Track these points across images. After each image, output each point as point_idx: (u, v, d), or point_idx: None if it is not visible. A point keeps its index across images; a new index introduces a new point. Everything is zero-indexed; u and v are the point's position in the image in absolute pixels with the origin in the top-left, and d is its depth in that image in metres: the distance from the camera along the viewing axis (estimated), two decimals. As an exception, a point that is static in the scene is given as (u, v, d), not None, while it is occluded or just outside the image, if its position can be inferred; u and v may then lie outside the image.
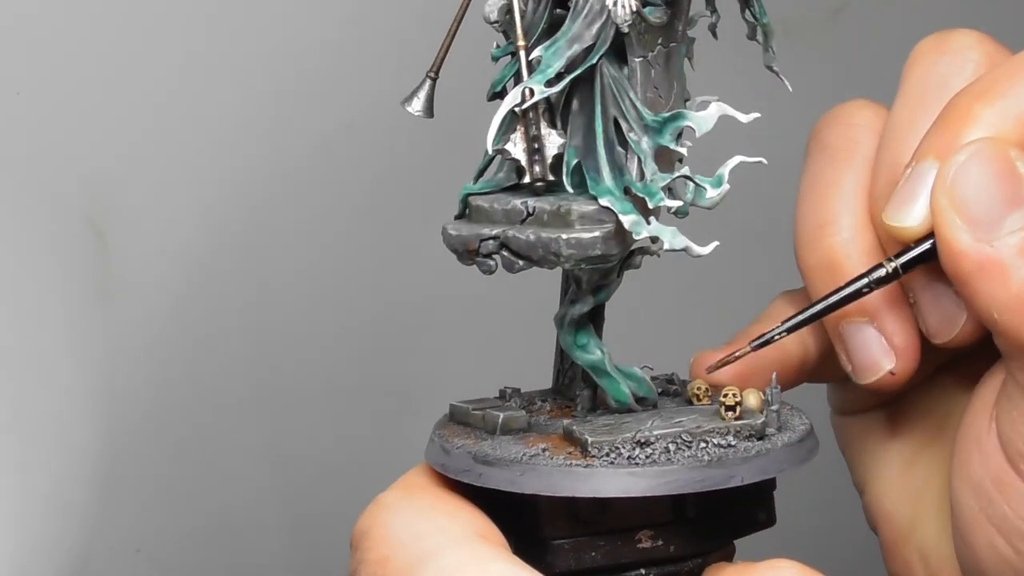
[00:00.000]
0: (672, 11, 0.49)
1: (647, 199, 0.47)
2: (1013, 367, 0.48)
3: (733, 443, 0.47)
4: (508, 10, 0.49)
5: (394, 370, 0.88)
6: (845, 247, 0.51)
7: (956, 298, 0.49)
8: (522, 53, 0.48)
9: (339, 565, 0.85)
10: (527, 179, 0.48)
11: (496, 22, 0.49)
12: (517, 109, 0.48)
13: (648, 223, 0.47)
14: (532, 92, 0.48)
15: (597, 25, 0.48)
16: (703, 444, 0.47)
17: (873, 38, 0.90)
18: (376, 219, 0.86)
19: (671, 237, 0.47)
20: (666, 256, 0.49)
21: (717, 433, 0.47)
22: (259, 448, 0.85)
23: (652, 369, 0.51)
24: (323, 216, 0.85)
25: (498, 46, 0.50)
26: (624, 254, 0.48)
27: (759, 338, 0.50)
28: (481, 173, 0.50)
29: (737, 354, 0.50)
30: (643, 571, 0.48)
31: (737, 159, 0.48)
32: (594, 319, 0.51)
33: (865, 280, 0.50)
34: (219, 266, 0.83)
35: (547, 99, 0.48)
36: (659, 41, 0.49)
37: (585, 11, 0.48)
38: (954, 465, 0.51)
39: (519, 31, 0.48)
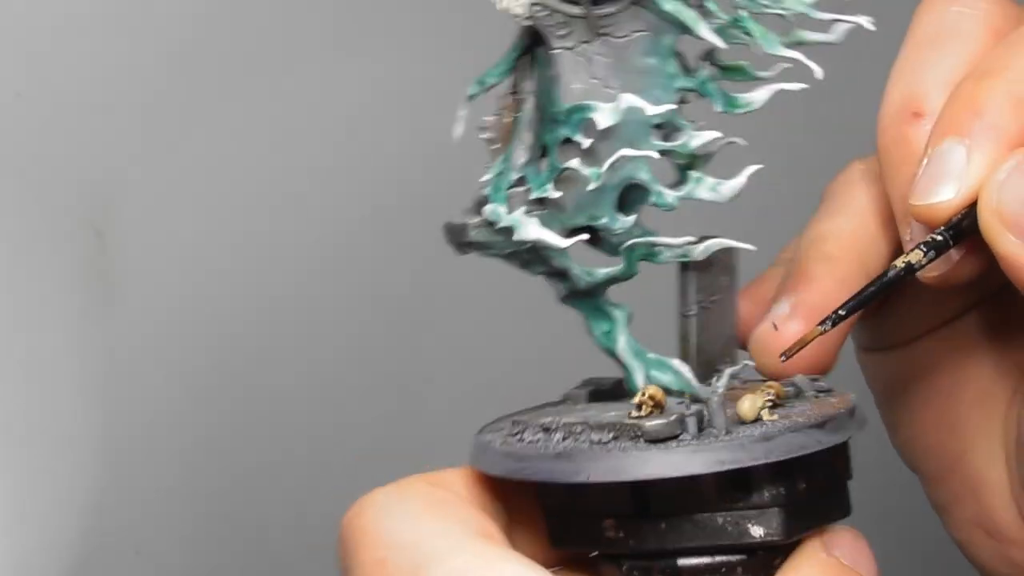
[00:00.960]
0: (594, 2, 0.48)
1: (532, 187, 0.48)
2: None
3: (605, 440, 0.46)
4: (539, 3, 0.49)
5: (397, 371, 0.88)
6: (924, 137, 0.50)
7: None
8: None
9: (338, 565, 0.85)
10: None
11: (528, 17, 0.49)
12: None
13: (496, 212, 0.48)
14: (482, 84, 0.49)
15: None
16: (570, 436, 0.47)
17: (877, 32, 0.90)
18: (376, 219, 0.86)
19: (524, 228, 0.47)
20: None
21: (592, 428, 0.47)
22: (259, 448, 0.85)
23: (752, 365, 0.51)
24: (324, 216, 0.85)
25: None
26: (519, 244, 0.48)
27: (825, 321, 0.48)
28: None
29: (807, 341, 0.48)
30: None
31: (712, 134, 0.48)
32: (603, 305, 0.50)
33: (920, 257, 0.48)
34: (219, 266, 0.83)
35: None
36: (589, 32, 0.48)
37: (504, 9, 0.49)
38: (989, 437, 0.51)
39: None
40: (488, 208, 0.48)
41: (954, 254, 0.48)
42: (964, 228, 0.48)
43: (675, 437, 0.46)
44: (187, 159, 0.81)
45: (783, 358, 0.49)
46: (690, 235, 0.50)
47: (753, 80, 0.50)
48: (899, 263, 0.48)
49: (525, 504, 0.49)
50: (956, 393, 0.54)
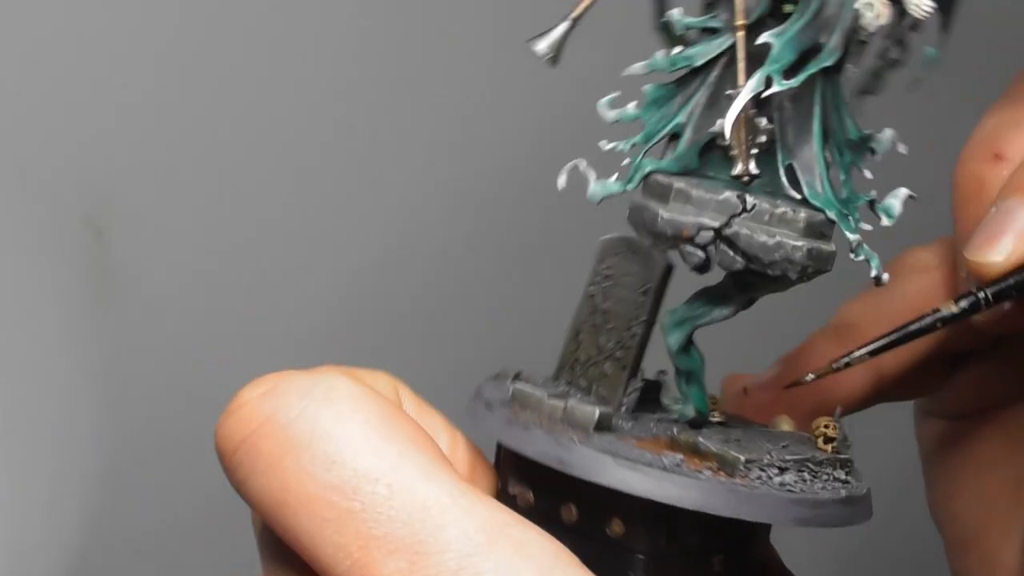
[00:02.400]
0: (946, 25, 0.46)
1: (851, 219, 0.44)
2: None
3: (848, 478, 0.44)
4: None
5: (401, 371, 0.88)
6: (999, 183, 0.49)
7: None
8: (742, 34, 0.44)
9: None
10: (737, 171, 0.44)
11: None
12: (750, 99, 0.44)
13: (863, 244, 0.44)
14: (772, 82, 0.44)
15: (835, 25, 0.44)
16: (826, 477, 0.44)
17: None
18: (377, 218, 0.86)
19: (877, 264, 0.44)
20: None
21: (830, 465, 0.44)
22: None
23: (666, 374, 0.49)
24: (323, 215, 0.85)
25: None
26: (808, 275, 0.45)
27: (840, 358, 0.47)
28: (647, 147, 0.46)
29: (812, 377, 0.47)
30: None
31: (905, 192, 0.45)
32: None
33: (954, 309, 0.48)
34: (218, 265, 0.83)
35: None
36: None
37: (820, 5, 0.44)
38: (1009, 517, 0.51)
39: (740, 9, 0.44)
40: (855, 238, 0.44)
41: (1003, 306, 0.48)
42: (1016, 286, 0.48)
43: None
44: (187, 159, 0.81)
45: (789, 387, 0.48)
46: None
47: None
48: (929, 312, 0.48)
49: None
50: (993, 472, 0.54)
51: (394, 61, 0.85)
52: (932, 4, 0.44)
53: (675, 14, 0.45)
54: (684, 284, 0.48)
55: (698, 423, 0.46)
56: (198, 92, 0.81)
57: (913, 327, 0.48)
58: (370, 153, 0.85)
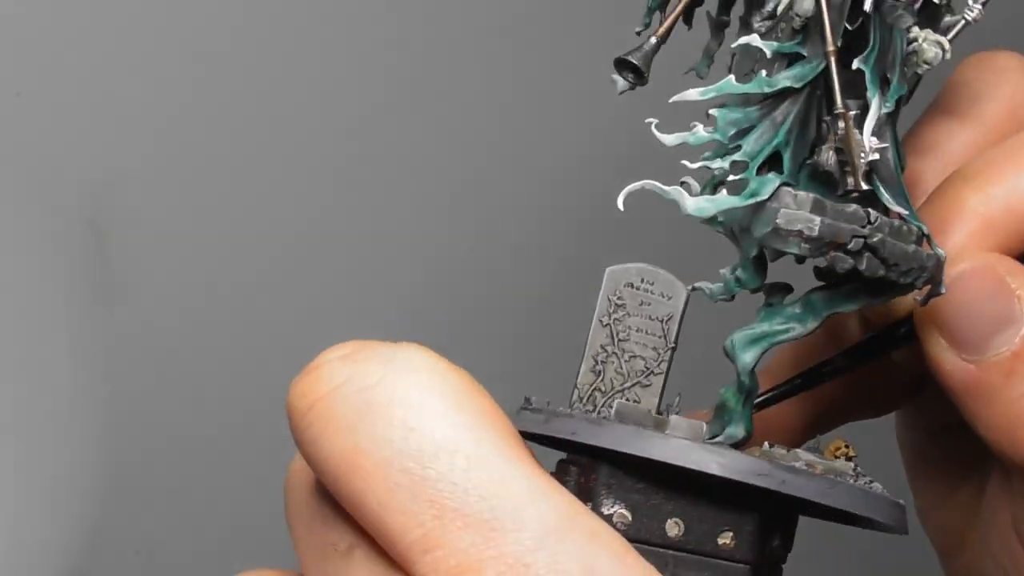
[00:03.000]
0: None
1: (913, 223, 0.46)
2: (1013, 475, 0.48)
3: (872, 484, 0.46)
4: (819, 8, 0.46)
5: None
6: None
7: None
8: (834, 59, 0.45)
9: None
10: (849, 186, 0.45)
11: (805, 20, 0.46)
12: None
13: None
14: (887, 103, 0.46)
15: (897, 57, 0.46)
16: (877, 489, 0.46)
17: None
18: (376, 218, 0.86)
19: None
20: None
21: (865, 478, 0.46)
22: (259, 448, 0.85)
23: (679, 397, 0.49)
24: (323, 215, 0.85)
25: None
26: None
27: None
28: (755, 164, 0.47)
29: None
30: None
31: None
32: None
33: (841, 360, 0.49)
34: (219, 266, 0.83)
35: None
36: None
37: (881, 38, 0.46)
38: (982, 529, 0.51)
39: (829, 33, 0.46)
40: (943, 253, 0.45)
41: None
42: (905, 334, 0.48)
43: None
44: (188, 161, 0.81)
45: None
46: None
47: None
48: (819, 364, 0.49)
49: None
50: (971, 482, 0.54)
51: (396, 62, 0.85)
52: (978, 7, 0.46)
53: (756, 40, 0.46)
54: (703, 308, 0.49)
55: (739, 445, 0.46)
56: (199, 94, 0.81)
57: (798, 381, 0.49)
58: (370, 154, 0.85)
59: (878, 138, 0.46)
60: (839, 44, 0.45)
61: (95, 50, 0.78)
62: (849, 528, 0.50)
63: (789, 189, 0.46)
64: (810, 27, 0.46)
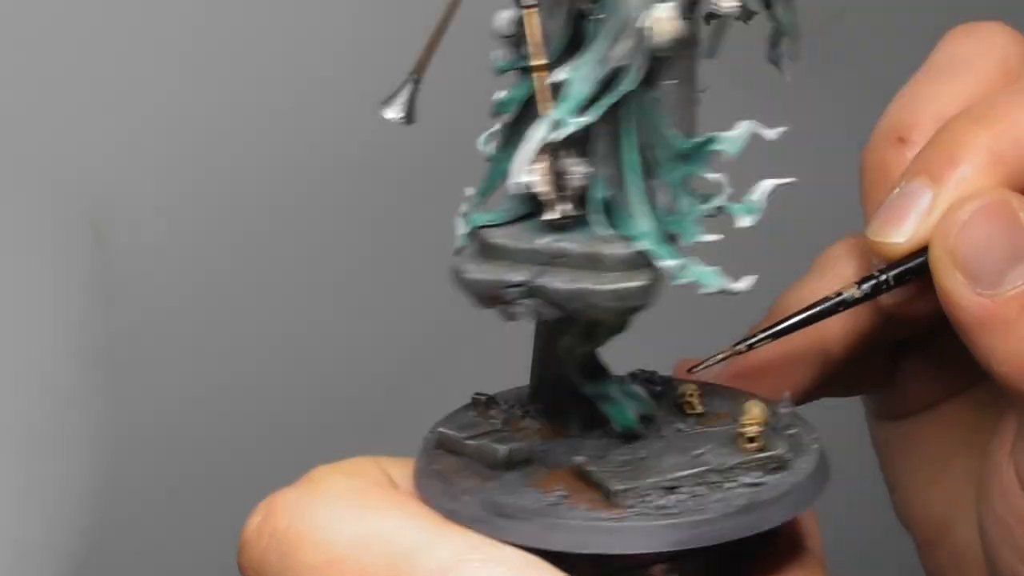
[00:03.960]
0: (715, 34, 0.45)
1: (682, 236, 0.43)
2: (1021, 412, 0.48)
3: (763, 479, 0.43)
4: (521, 22, 0.43)
5: (395, 371, 0.88)
6: (903, 166, 0.50)
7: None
8: (538, 75, 0.42)
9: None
10: (552, 215, 0.43)
11: (510, 36, 0.43)
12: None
13: (686, 267, 0.43)
14: (561, 124, 0.42)
15: (629, 44, 0.42)
16: (732, 484, 0.43)
17: (869, 46, 0.90)
18: (376, 218, 0.86)
19: (713, 281, 0.43)
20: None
21: (742, 469, 0.43)
22: (259, 448, 0.85)
23: (645, 372, 0.49)
24: (323, 215, 0.85)
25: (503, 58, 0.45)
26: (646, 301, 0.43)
27: (742, 341, 0.49)
28: (483, 198, 0.45)
29: (719, 357, 0.49)
30: None
31: (769, 183, 0.44)
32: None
33: (856, 293, 0.49)
34: (219, 266, 0.83)
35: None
36: (689, 60, 0.44)
37: (614, 27, 0.42)
38: (980, 495, 0.51)
39: (536, 47, 0.43)
40: (674, 264, 0.42)
41: (906, 290, 0.49)
42: (916, 268, 0.48)
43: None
44: (188, 160, 0.81)
45: (692, 370, 0.49)
46: None
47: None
48: (832, 295, 0.49)
49: None
50: (951, 466, 0.55)
51: (398, 65, 0.85)
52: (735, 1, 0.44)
53: (494, 56, 0.44)
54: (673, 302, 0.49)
55: (631, 436, 0.45)
56: (199, 93, 0.81)
57: (815, 310, 0.49)
58: (371, 155, 0.85)
59: (590, 159, 0.43)
60: (553, 56, 0.42)
61: (95, 50, 0.78)
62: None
63: (480, 232, 0.43)
64: (520, 42, 0.43)
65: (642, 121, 0.43)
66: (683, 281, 0.42)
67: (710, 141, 0.43)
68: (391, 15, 0.84)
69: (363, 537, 0.42)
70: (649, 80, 0.43)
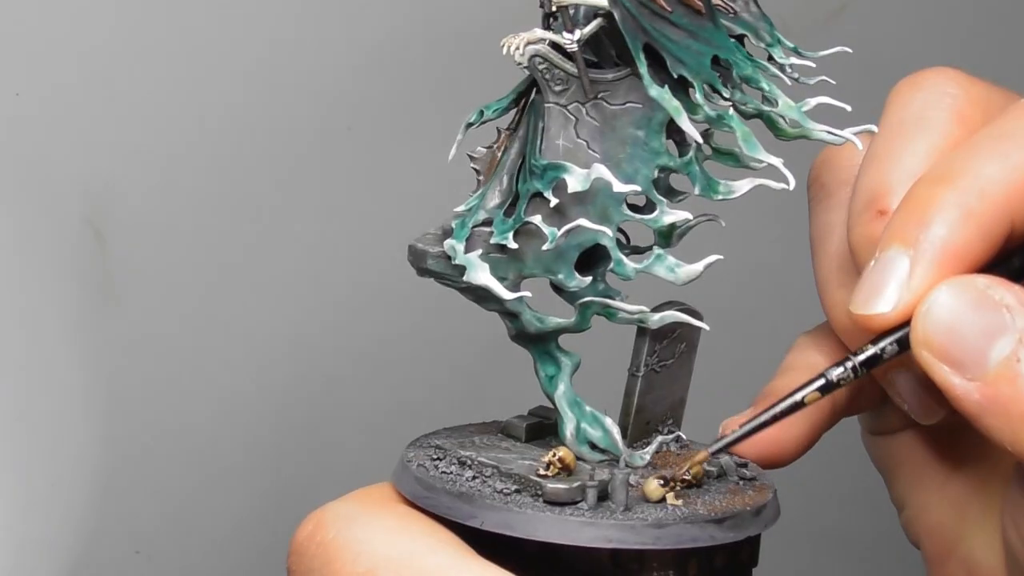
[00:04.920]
0: (578, 70, 0.49)
1: (494, 232, 0.49)
2: None
3: (508, 491, 0.48)
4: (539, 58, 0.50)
5: (396, 371, 0.88)
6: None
7: (934, 390, 0.48)
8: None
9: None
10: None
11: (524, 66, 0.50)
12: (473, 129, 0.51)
13: (456, 251, 0.49)
14: (482, 114, 0.51)
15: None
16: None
17: (873, 38, 0.90)
18: (377, 218, 0.86)
19: (474, 271, 0.49)
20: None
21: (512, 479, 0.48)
22: (259, 449, 0.85)
23: (684, 437, 0.51)
24: (323, 217, 0.85)
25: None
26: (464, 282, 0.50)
27: (717, 441, 0.49)
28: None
29: (697, 459, 0.49)
30: None
31: (699, 266, 0.50)
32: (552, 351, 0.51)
33: (823, 379, 0.48)
34: (218, 266, 0.83)
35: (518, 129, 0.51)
36: (586, 94, 0.49)
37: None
38: (1005, 515, 0.51)
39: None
40: (447, 243, 0.50)
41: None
42: (901, 340, 0.48)
43: (574, 503, 0.47)
44: (187, 160, 0.81)
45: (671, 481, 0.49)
46: (657, 300, 0.51)
47: (743, 167, 0.51)
48: (809, 391, 0.49)
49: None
50: (958, 477, 0.55)
51: (399, 65, 0.85)
52: (572, 37, 0.49)
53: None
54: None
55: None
56: (198, 93, 0.81)
57: (784, 404, 0.49)
58: (371, 155, 0.85)
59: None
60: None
61: (95, 50, 0.78)
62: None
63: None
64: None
65: (530, 134, 0.50)
66: (456, 261, 0.49)
67: (557, 167, 0.49)
68: (391, 15, 0.84)
69: (396, 555, 0.46)
70: (539, 95, 0.50)
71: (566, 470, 0.48)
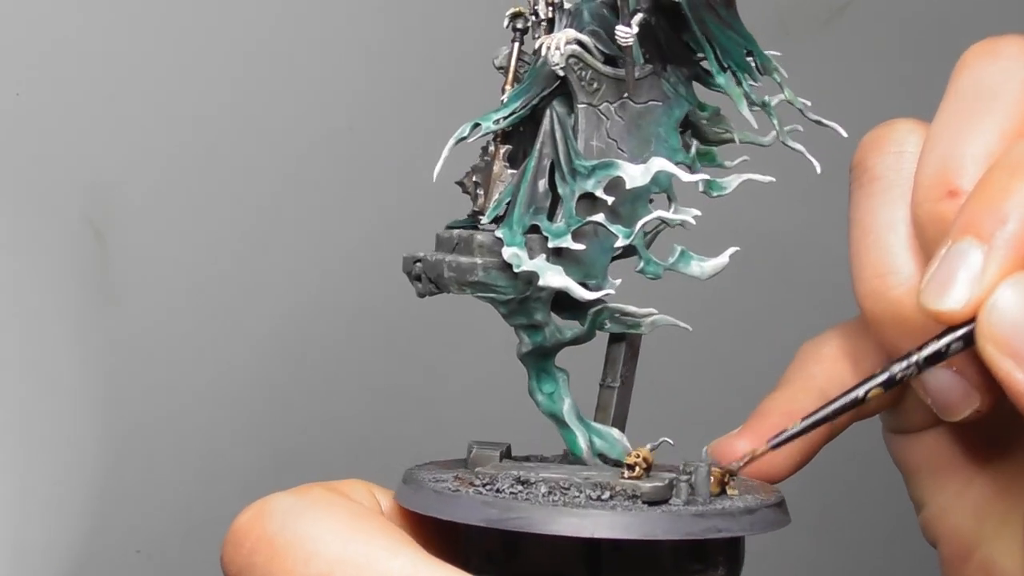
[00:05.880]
0: (626, 67, 0.49)
1: (549, 236, 0.48)
2: None
3: (604, 497, 0.47)
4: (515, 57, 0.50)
5: (395, 371, 0.88)
6: (911, 297, 0.48)
7: (965, 387, 0.48)
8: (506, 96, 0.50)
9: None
10: (472, 211, 0.50)
11: (501, 68, 0.50)
12: (469, 141, 0.50)
13: (520, 257, 0.48)
14: (479, 127, 0.50)
15: (549, 69, 0.49)
16: (577, 494, 0.47)
17: (876, 36, 0.90)
18: (376, 218, 0.86)
19: (548, 275, 0.48)
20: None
21: (596, 486, 0.47)
22: (259, 449, 0.85)
23: (672, 444, 0.51)
24: (323, 218, 0.85)
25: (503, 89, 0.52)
26: (523, 291, 0.49)
27: (777, 436, 0.48)
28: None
29: (758, 453, 0.48)
30: None
31: (720, 262, 0.49)
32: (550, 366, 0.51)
33: (887, 374, 0.48)
34: (218, 267, 0.83)
35: (508, 139, 0.50)
36: (615, 94, 0.49)
37: (544, 56, 0.49)
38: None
39: (509, 77, 0.50)
40: (507, 251, 0.48)
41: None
42: (965, 336, 0.47)
43: (667, 501, 0.47)
44: (187, 159, 0.81)
45: (736, 465, 0.49)
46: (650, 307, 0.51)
47: (720, 167, 0.52)
48: (871, 385, 0.48)
49: (425, 541, 0.48)
50: (977, 482, 0.54)
51: (400, 65, 0.85)
52: (628, 31, 0.49)
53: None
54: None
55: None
56: (198, 93, 0.81)
57: (846, 399, 0.48)
58: (371, 154, 0.85)
59: (512, 165, 0.50)
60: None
61: (95, 50, 0.78)
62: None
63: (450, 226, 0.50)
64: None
65: (553, 137, 0.49)
66: (522, 268, 0.48)
67: (608, 166, 0.49)
68: (391, 16, 0.84)
69: (349, 556, 0.44)
70: (568, 100, 0.49)
71: (649, 468, 0.48)
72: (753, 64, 0.51)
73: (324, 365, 0.86)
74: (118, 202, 0.80)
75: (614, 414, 0.51)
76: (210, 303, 0.83)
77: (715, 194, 0.51)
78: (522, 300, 0.49)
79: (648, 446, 0.50)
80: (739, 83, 0.50)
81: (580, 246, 0.48)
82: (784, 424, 0.49)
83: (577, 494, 0.46)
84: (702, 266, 0.50)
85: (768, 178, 0.49)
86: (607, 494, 0.46)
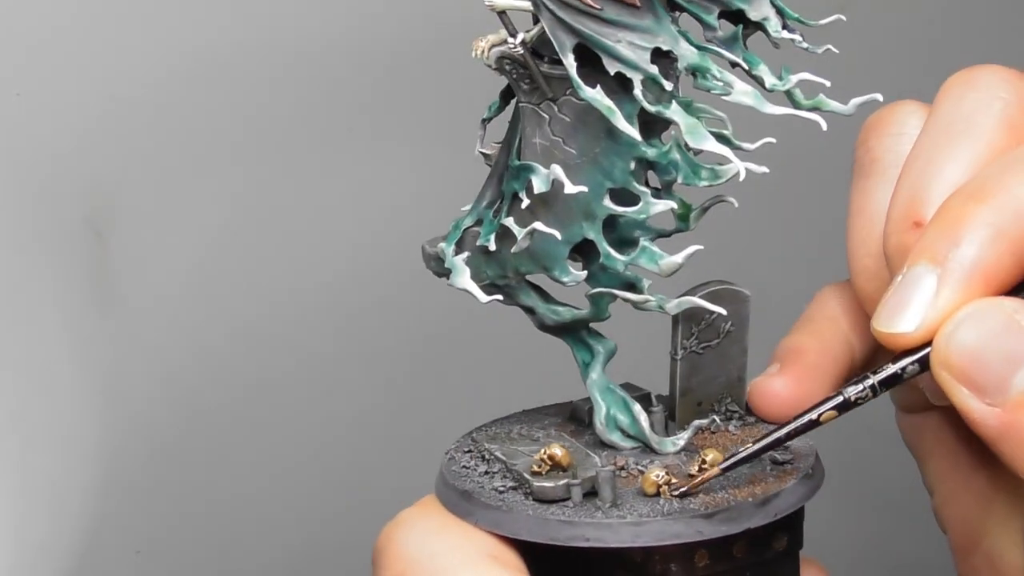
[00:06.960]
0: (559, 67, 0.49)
1: (481, 233, 0.50)
2: None
3: (501, 488, 0.48)
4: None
5: (396, 371, 0.88)
6: None
7: None
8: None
9: (337, 568, 0.85)
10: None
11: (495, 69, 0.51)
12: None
13: (447, 255, 0.50)
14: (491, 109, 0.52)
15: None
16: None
17: (876, 37, 0.90)
18: (377, 218, 0.86)
19: (456, 275, 0.50)
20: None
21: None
22: (259, 450, 0.85)
23: (720, 423, 0.52)
24: (323, 217, 0.85)
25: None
26: (500, 275, 0.50)
27: (727, 459, 0.48)
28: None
29: (708, 476, 0.48)
30: None
31: (679, 257, 0.50)
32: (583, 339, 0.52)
33: (841, 397, 0.48)
34: (218, 267, 0.83)
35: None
36: (559, 91, 0.49)
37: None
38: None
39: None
40: (440, 245, 0.50)
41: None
42: (920, 360, 0.47)
43: (562, 500, 0.47)
44: (187, 159, 0.81)
45: (682, 491, 0.49)
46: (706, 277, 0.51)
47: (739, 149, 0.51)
48: (825, 409, 0.48)
49: None
50: (982, 472, 0.54)
51: (399, 65, 0.85)
52: (515, 40, 0.49)
53: None
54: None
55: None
56: (198, 92, 0.81)
57: (800, 422, 0.48)
58: (371, 155, 0.85)
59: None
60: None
61: (95, 50, 0.78)
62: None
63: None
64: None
65: (511, 132, 0.51)
66: (445, 265, 0.50)
67: (528, 169, 0.49)
68: (391, 15, 0.84)
69: (418, 557, 0.47)
70: (518, 99, 0.50)
71: (558, 467, 0.48)
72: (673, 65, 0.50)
73: (326, 365, 0.86)
74: (118, 202, 0.80)
75: (683, 386, 0.52)
76: (210, 303, 0.83)
77: (702, 184, 0.50)
78: (504, 286, 0.51)
79: (695, 423, 0.51)
80: (635, 90, 0.49)
81: (494, 247, 0.50)
82: (820, 363, 0.50)
83: (492, 482, 0.49)
84: (659, 263, 0.50)
85: (763, 169, 0.49)
86: (509, 485, 0.48)
